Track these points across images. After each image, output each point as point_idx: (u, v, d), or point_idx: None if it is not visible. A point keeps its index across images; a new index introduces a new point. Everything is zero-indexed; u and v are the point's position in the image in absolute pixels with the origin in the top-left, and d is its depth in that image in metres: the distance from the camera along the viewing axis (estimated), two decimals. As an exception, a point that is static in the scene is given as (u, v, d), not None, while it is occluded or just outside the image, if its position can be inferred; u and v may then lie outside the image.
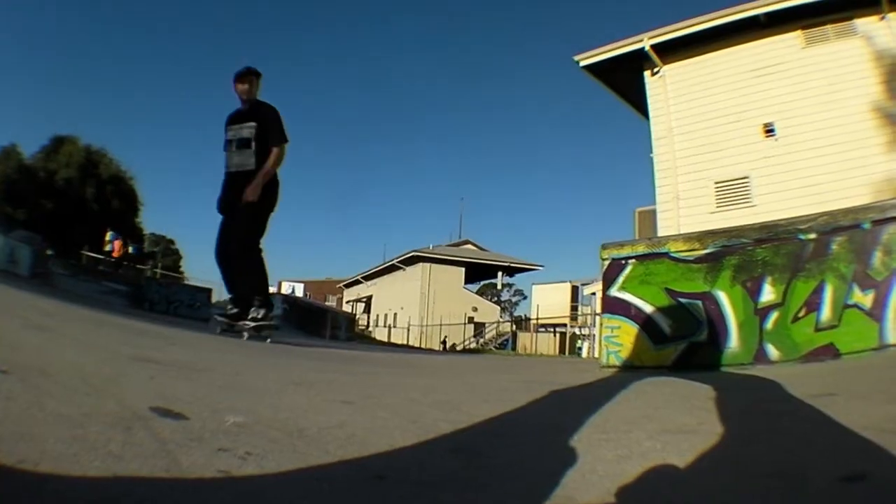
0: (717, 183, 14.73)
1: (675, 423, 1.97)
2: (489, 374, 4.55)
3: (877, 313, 3.62)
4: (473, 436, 1.79)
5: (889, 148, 12.61)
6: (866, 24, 13.41)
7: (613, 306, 4.54)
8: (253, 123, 5.66)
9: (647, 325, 4.34)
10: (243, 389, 2.26)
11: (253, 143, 5.63)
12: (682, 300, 4.23)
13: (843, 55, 13.48)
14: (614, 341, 4.46)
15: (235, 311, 5.84)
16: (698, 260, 4.24)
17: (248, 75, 5.79)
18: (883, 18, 13.14)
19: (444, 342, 35.91)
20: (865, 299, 3.69)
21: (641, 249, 4.56)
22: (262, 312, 5.66)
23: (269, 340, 5.68)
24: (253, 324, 5.60)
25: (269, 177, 5.57)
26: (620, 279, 4.53)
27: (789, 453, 1.51)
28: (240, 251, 5.54)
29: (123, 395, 1.64)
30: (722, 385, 3.00)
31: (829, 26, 13.82)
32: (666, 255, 4.39)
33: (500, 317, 46.50)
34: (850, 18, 13.55)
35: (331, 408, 2.04)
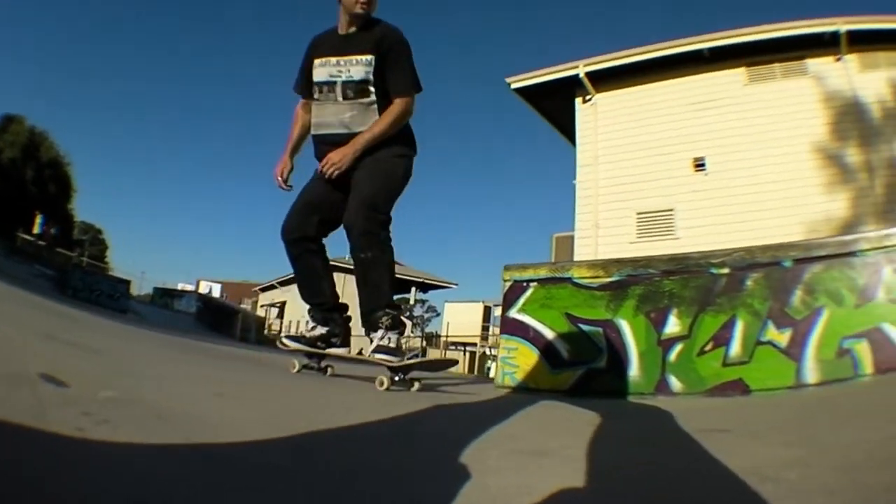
0: (639, 213, 15.21)
1: (535, 445, 1.95)
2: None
3: (794, 352, 3.63)
4: (318, 436, 1.84)
5: (829, 188, 13.25)
6: (819, 64, 14.14)
7: (512, 327, 4.60)
8: (370, 57, 3.57)
9: (545, 348, 4.38)
10: (131, 374, 2.52)
11: (372, 90, 3.60)
12: (583, 326, 4.29)
13: (788, 94, 14.19)
14: (511, 362, 4.50)
15: (323, 331, 3.95)
16: (602, 287, 4.33)
17: None
18: (839, 59, 13.84)
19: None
20: (781, 337, 3.70)
21: (544, 273, 4.66)
22: (394, 337, 3.58)
23: (416, 387, 3.57)
24: (395, 360, 3.50)
25: (377, 142, 3.60)
26: (521, 301, 4.60)
27: (648, 491, 1.42)
28: (365, 224, 3.51)
29: (26, 364, 1.92)
30: (611, 412, 2.96)
31: (776, 64, 14.45)
32: (569, 280, 4.47)
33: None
34: (802, 58, 14.26)
35: (202, 398, 2.26)
